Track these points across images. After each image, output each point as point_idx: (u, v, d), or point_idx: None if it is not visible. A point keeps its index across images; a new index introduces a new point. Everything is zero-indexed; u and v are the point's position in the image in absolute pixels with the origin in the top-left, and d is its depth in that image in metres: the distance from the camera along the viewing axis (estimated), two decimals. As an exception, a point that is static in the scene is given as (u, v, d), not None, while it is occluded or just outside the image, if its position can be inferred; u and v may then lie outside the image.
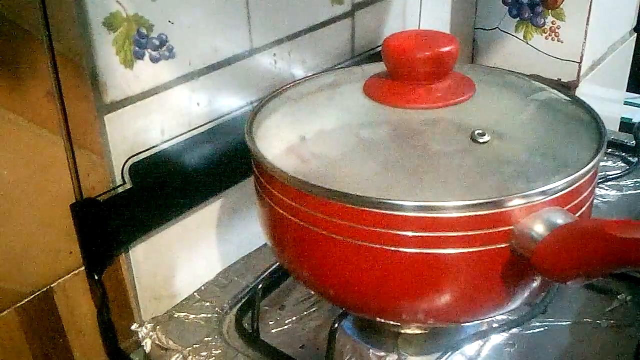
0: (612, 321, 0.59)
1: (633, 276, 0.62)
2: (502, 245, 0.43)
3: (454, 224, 0.42)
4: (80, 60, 0.50)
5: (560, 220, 0.42)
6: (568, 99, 0.57)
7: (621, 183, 0.79)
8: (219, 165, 0.63)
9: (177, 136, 0.59)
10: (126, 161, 0.55)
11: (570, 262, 0.40)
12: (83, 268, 0.55)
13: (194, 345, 0.57)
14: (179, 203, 0.61)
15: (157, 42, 0.54)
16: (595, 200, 0.49)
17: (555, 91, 0.59)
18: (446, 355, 0.54)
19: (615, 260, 0.38)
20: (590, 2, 0.89)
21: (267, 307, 0.62)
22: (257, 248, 0.69)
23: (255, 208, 0.53)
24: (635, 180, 0.80)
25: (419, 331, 0.57)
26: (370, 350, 0.55)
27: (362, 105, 0.57)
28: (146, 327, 0.59)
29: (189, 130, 0.60)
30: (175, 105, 0.58)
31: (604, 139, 0.49)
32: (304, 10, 0.68)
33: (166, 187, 0.59)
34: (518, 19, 0.96)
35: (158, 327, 0.59)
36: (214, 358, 0.56)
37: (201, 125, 0.61)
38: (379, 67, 0.59)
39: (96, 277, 0.56)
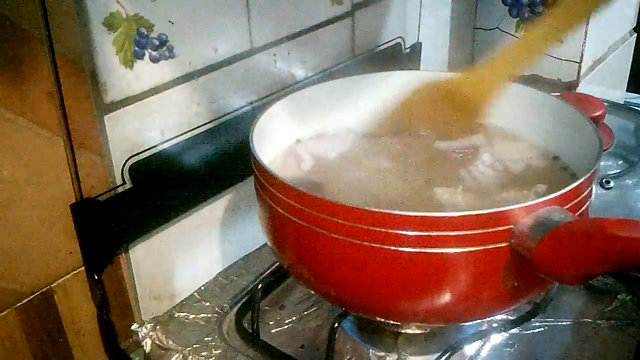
0: (612, 321, 0.59)
1: (633, 276, 0.62)
2: (502, 245, 0.43)
3: (454, 223, 0.42)
4: (80, 60, 0.50)
5: (560, 219, 0.42)
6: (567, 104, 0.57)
7: (621, 182, 0.79)
8: (219, 165, 0.63)
9: (177, 136, 0.59)
10: (126, 161, 0.55)
11: (570, 261, 0.40)
12: (83, 268, 0.55)
13: (194, 345, 0.57)
14: (179, 203, 0.61)
15: (157, 42, 0.54)
16: (595, 200, 0.49)
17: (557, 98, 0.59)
18: (446, 355, 0.54)
19: (615, 259, 0.38)
20: (590, 2, 0.89)
21: (267, 307, 0.62)
22: (257, 248, 0.69)
23: (255, 208, 0.53)
24: (635, 179, 0.80)
25: (419, 331, 0.57)
26: (370, 350, 0.55)
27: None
28: (146, 327, 0.59)
29: (189, 130, 0.60)
30: (175, 105, 0.58)
31: (601, 143, 0.50)
32: (304, 10, 0.68)
33: (166, 187, 0.59)
34: (518, 19, 0.96)
35: (158, 327, 0.59)
36: (214, 358, 0.56)
37: (201, 125, 0.61)
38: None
39: (96, 277, 0.56)
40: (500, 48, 0.56)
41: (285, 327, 0.60)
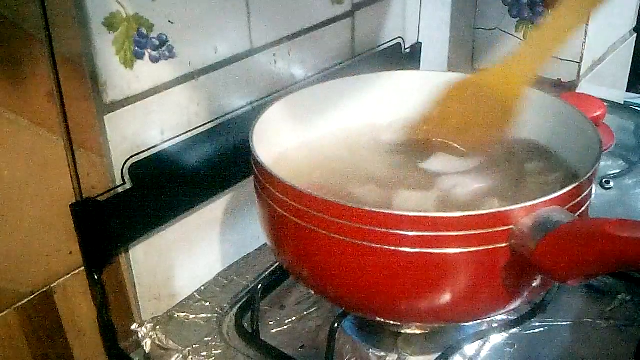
0: (612, 321, 0.59)
1: (633, 276, 0.62)
2: (502, 245, 0.43)
3: (454, 223, 0.42)
4: (80, 60, 0.50)
5: (560, 219, 0.42)
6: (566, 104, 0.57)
7: (621, 182, 0.79)
8: (219, 165, 0.63)
9: (177, 136, 0.59)
10: (126, 161, 0.55)
11: (570, 261, 0.40)
12: (83, 268, 0.55)
13: (194, 345, 0.57)
14: (179, 203, 0.61)
15: (157, 42, 0.54)
16: (595, 200, 0.49)
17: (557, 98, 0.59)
18: (446, 355, 0.54)
19: (615, 260, 0.38)
20: (590, 2, 0.89)
21: (267, 307, 0.62)
22: (257, 248, 0.70)
23: (255, 208, 0.53)
24: (635, 179, 0.80)
25: (419, 331, 0.57)
26: (370, 350, 0.55)
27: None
28: (146, 327, 0.59)
29: (189, 130, 0.60)
30: (175, 105, 0.58)
31: (601, 143, 0.50)
32: (304, 10, 0.68)
33: (166, 187, 0.59)
34: (518, 19, 0.96)
35: (158, 327, 0.59)
36: (214, 358, 0.56)
37: (201, 125, 0.61)
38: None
39: (96, 277, 0.56)
40: (511, 51, 0.55)
41: (285, 327, 0.60)
